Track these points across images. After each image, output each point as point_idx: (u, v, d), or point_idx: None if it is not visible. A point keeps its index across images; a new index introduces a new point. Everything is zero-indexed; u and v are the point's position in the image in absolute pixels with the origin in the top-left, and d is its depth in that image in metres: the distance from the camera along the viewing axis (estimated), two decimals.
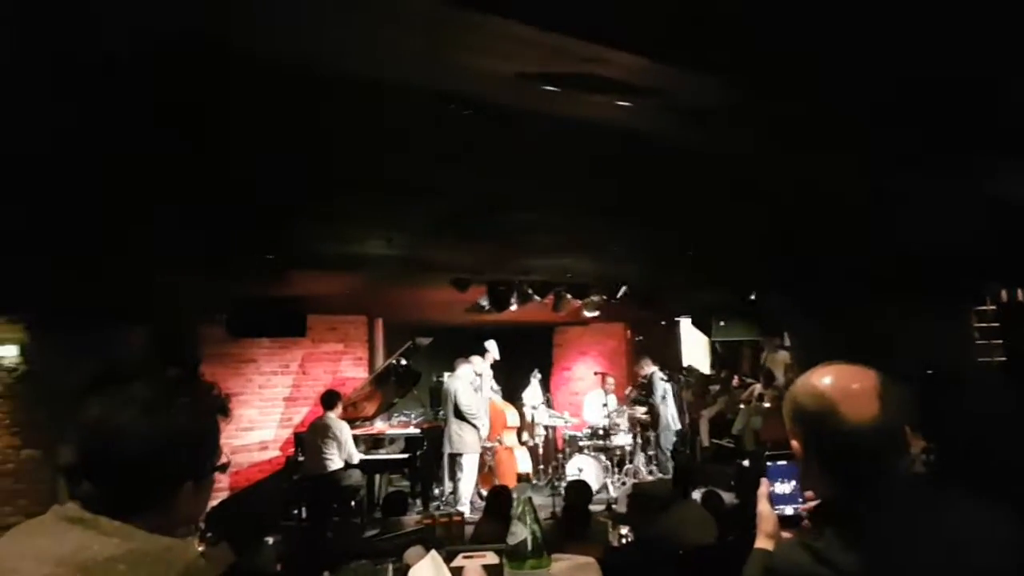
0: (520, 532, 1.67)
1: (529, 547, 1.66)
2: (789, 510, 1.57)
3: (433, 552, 1.80)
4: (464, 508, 7.97)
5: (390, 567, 1.54)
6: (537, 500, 7.00)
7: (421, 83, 2.94)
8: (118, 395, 1.29)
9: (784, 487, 1.58)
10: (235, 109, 3.16)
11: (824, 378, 1.42)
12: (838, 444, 1.37)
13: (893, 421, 1.37)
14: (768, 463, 1.59)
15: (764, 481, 1.60)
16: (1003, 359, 5.63)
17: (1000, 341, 5.66)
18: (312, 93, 3.02)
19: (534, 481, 9.68)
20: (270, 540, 5.14)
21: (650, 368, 10.26)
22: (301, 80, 2.86)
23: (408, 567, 1.73)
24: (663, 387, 10.07)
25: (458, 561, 1.76)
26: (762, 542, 1.64)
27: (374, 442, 8.39)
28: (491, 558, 1.76)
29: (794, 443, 1.47)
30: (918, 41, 2.59)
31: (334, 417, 7.69)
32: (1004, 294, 5.72)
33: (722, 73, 2.72)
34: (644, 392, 10.21)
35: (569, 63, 2.58)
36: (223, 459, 1.41)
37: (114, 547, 1.17)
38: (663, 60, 2.55)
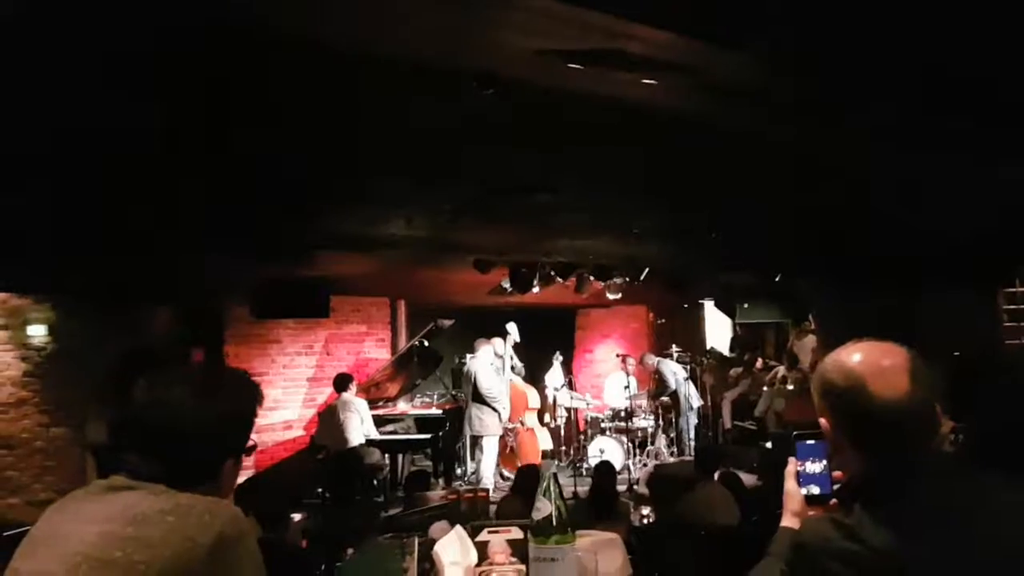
0: (545, 507, 1.67)
1: (554, 522, 1.66)
2: (816, 489, 1.54)
3: (458, 527, 1.81)
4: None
5: (415, 541, 1.55)
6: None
7: (447, 62, 2.92)
8: (169, 376, 1.39)
9: (813, 466, 1.56)
10: (261, 88, 3.17)
11: (854, 355, 1.40)
12: (868, 421, 1.35)
13: (924, 398, 1.34)
14: (797, 442, 1.57)
15: (792, 460, 1.58)
16: None
17: None
18: (339, 72, 3.02)
19: (556, 461, 9.72)
20: (296, 517, 5.20)
21: (653, 360, 10.25)
22: (328, 59, 2.85)
23: (433, 542, 1.74)
24: (675, 370, 10.06)
25: (483, 536, 1.77)
26: (788, 520, 1.62)
27: (396, 422, 8.45)
28: (516, 533, 1.76)
29: (823, 421, 1.46)
30: (952, 25, 2.54)
31: (350, 395, 7.78)
32: None
33: (750, 49, 2.68)
34: (659, 384, 10.18)
35: (595, 39, 2.56)
36: (251, 442, 1.51)
37: (162, 503, 1.23)
38: (690, 35, 2.52)
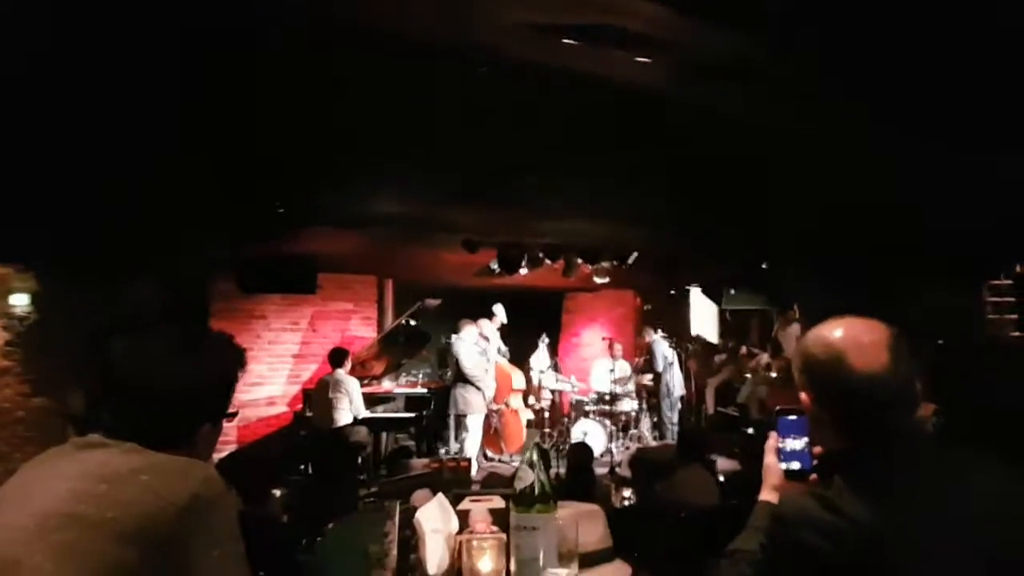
0: (528, 477, 1.68)
1: (536, 492, 1.67)
2: (797, 465, 1.55)
3: (440, 495, 1.81)
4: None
5: (397, 507, 1.55)
6: None
7: (438, 36, 2.90)
8: (150, 336, 1.36)
9: (794, 442, 1.57)
10: (251, 61, 3.13)
11: (835, 330, 1.41)
12: (847, 394, 1.36)
13: (903, 373, 1.35)
14: (779, 418, 1.58)
15: (772, 434, 1.59)
16: (1017, 333, 5.59)
17: (1014, 316, 5.61)
18: (327, 45, 2.99)
19: (539, 431, 9.77)
20: (277, 492, 5.19)
21: (652, 336, 10.33)
22: (317, 31, 2.82)
23: (415, 509, 1.75)
24: (666, 354, 10.13)
25: (464, 504, 1.77)
26: (767, 494, 1.63)
27: (381, 400, 8.45)
28: (497, 502, 1.77)
29: (803, 395, 1.46)
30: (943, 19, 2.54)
31: (343, 373, 7.76)
32: (1020, 268, 5.66)
33: (743, 28, 2.68)
34: (648, 360, 10.27)
35: (590, 14, 2.54)
36: (232, 408, 1.48)
37: (136, 461, 1.21)
38: (685, 11, 2.51)
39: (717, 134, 4.20)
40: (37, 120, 3.64)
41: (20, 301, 7.07)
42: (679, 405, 10.30)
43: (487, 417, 8.84)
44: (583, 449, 5.85)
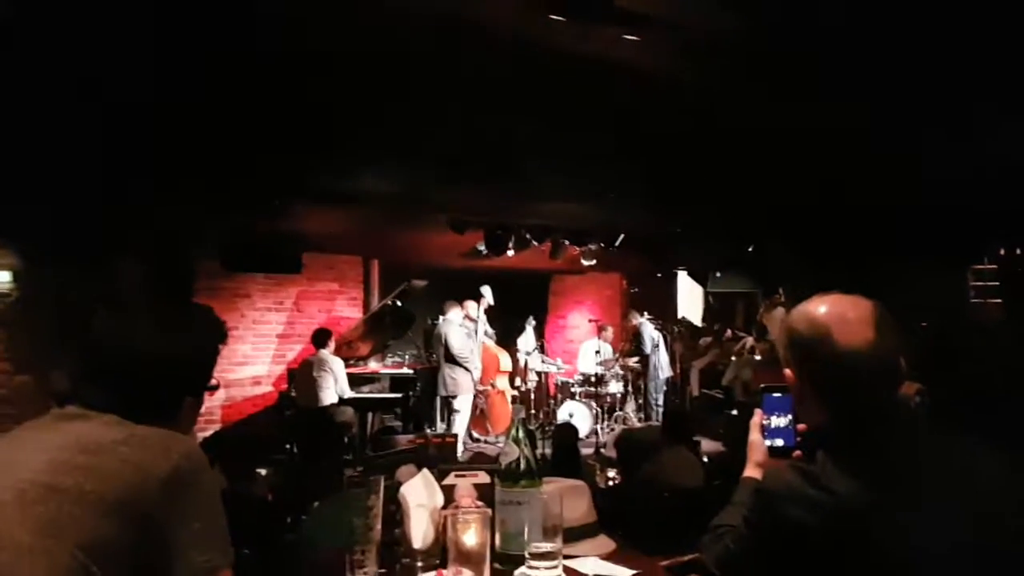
0: (513, 452, 1.68)
1: (522, 467, 1.67)
2: (781, 442, 1.55)
3: (425, 470, 1.81)
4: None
5: (381, 481, 1.55)
6: None
7: (427, 10, 2.87)
8: (132, 309, 1.35)
9: (779, 420, 1.57)
10: (233, 35, 3.09)
11: (820, 306, 1.41)
12: (831, 370, 1.36)
13: (887, 349, 1.35)
14: (764, 395, 1.58)
15: (758, 412, 1.60)
16: (999, 317, 5.64)
17: (997, 300, 5.66)
18: (312, 18, 2.95)
19: (523, 407, 9.79)
20: (263, 471, 5.19)
21: (638, 319, 10.37)
22: (302, 2, 2.79)
23: (399, 484, 1.74)
24: (653, 336, 10.18)
25: (450, 479, 1.77)
26: (751, 471, 1.64)
27: (367, 381, 8.44)
28: (483, 477, 1.77)
29: (788, 371, 1.46)
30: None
31: (328, 353, 7.75)
32: (1003, 252, 5.70)
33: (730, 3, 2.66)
34: (634, 344, 10.32)
35: None
36: (213, 381, 1.46)
37: (116, 433, 1.20)
38: None
39: (704, 114, 4.19)
40: (13, 96, 3.58)
41: (3, 278, 6.99)
42: (665, 387, 10.37)
43: (473, 398, 8.85)
44: (569, 429, 5.91)
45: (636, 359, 10.25)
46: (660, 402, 10.16)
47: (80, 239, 6.49)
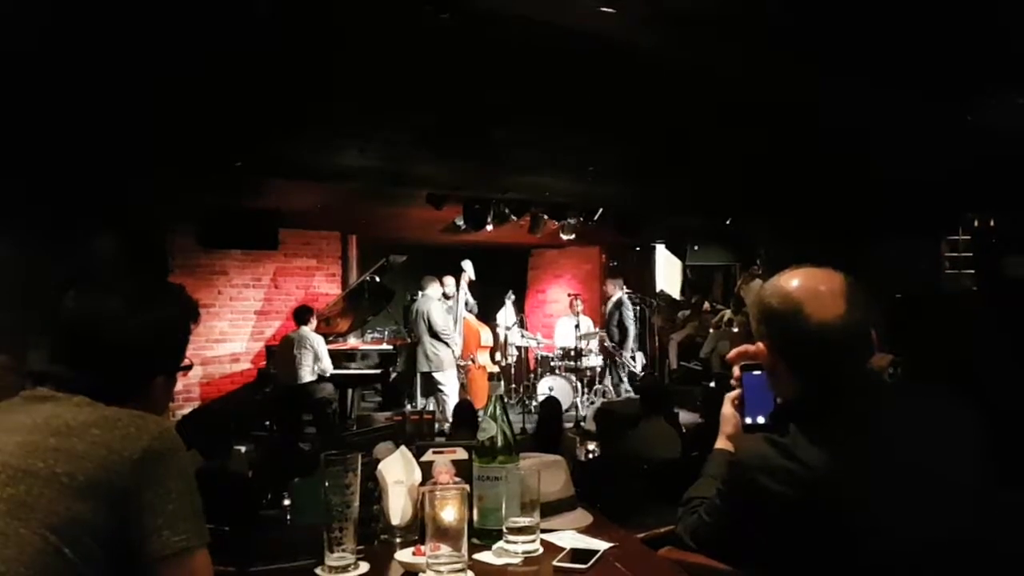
0: (490, 428, 1.68)
1: (499, 443, 1.67)
2: (760, 419, 1.56)
3: (403, 447, 1.81)
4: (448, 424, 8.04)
5: (359, 458, 1.54)
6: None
7: None
8: (103, 287, 1.33)
9: (755, 396, 1.58)
10: (210, 8, 3.03)
11: (792, 280, 1.41)
12: (804, 342, 1.37)
13: (859, 321, 1.36)
14: (743, 372, 1.58)
15: (734, 383, 1.60)
16: (973, 287, 5.71)
17: (971, 271, 5.73)
18: None
19: (501, 383, 9.80)
20: (242, 448, 5.18)
21: (615, 290, 10.37)
22: None
23: (378, 461, 1.74)
24: (631, 309, 10.23)
25: (427, 456, 1.78)
26: (722, 443, 1.66)
27: (347, 357, 8.42)
28: (460, 453, 1.77)
29: (761, 345, 1.47)
30: None
31: (308, 330, 7.72)
32: (977, 223, 5.76)
33: None
34: (614, 315, 10.34)
35: None
36: (186, 360, 1.44)
37: (87, 415, 1.18)
38: None
39: (682, 87, 4.18)
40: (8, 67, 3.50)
41: None
42: (643, 360, 10.42)
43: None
44: (552, 402, 6.12)
45: (616, 333, 10.26)
46: (639, 373, 10.22)
47: (52, 216, 6.39)
